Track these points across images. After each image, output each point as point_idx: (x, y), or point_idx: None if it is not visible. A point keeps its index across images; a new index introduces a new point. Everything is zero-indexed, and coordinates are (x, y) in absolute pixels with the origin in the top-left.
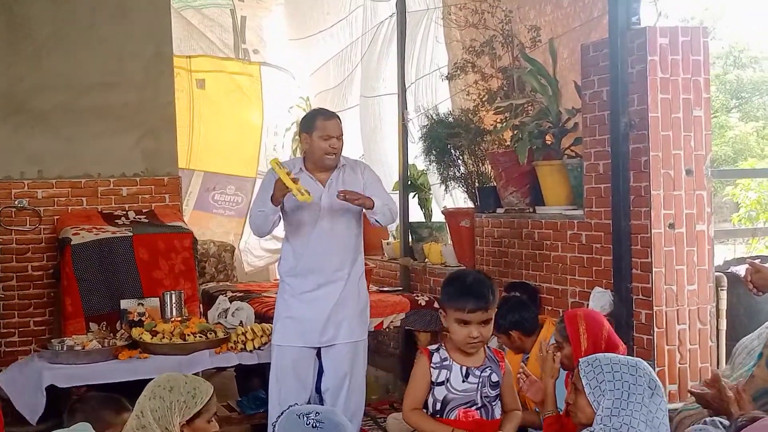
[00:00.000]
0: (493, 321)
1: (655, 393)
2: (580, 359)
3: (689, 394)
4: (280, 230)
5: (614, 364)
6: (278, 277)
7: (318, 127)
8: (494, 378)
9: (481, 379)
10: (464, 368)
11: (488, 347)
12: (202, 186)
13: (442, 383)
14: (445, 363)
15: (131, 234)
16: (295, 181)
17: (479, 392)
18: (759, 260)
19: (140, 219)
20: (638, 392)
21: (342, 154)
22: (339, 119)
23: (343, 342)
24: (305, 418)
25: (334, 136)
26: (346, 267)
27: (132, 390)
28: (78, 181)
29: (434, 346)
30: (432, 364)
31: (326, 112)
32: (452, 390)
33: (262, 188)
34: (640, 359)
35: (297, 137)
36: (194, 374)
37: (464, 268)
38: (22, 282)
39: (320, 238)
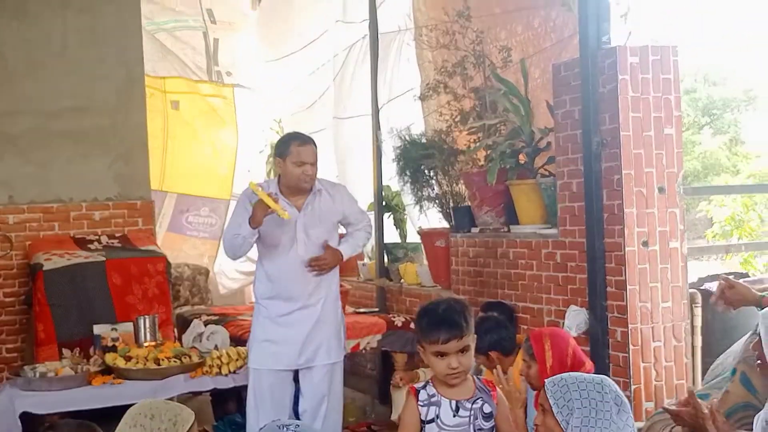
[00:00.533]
0: (472, 348)
1: (622, 409)
2: (545, 380)
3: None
4: (253, 252)
5: (580, 382)
6: (254, 299)
7: (292, 153)
8: (486, 409)
9: (472, 412)
10: (454, 402)
11: (478, 378)
12: (176, 208)
13: (432, 420)
14: (433, 399)
15: (104, 259)
16: (275, 200)
17: (472, 425)
18: (732, 276)
19: (113, 243)
20: (605, 409)
21: (318, 176)
22: (314, 144)
23: (321, 364)
24: (285, 429)
25: (308, 162)
26: (322, 290)
27: (106, 416)
28: (50, 206)
29: (420, 384)
30: (419, 402)
31: (301, 137)
32: (443, 426)
33: (236, 213)
34: (604, 376)
35: (271, 159)
36: (169, 399)
37: (437, 298)
38: None
39: (296, 262)
